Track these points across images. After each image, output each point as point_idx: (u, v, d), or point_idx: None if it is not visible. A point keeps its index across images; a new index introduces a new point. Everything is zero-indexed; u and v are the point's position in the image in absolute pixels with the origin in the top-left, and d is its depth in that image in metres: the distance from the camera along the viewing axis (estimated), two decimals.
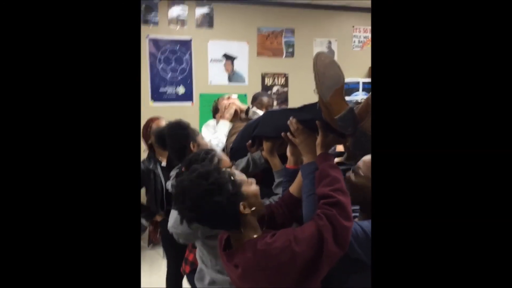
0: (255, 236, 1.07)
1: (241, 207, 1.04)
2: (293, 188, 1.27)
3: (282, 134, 1.27)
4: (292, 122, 1.22)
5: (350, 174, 1.23)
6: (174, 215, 1.37)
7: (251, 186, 1.10)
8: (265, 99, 2.54)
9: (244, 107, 2.28)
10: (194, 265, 1.80)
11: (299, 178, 1.23)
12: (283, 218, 1.22)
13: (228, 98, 2.36)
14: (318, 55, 1.10)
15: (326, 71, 1.07)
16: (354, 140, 1.11)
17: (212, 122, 2.35)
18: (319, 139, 1.18)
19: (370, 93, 1.10)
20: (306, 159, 1.20)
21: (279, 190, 1.43)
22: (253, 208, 1.08)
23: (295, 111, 1.27)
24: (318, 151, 1.18)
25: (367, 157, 1.22)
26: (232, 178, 1.06)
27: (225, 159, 1.52)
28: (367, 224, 1.11)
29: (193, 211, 1.04)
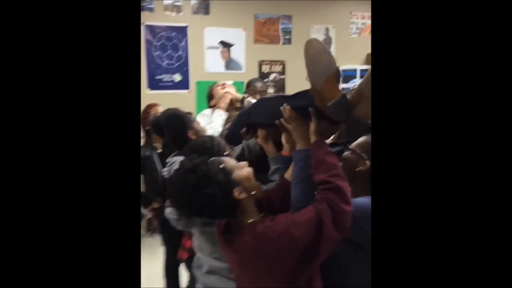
0: (253, 220, 1.07)
1: (236, 194, 1.05)
2: (288, 175, 1.27)
3: (276, 121, 1.27)
4: (285, 109, 1.23)
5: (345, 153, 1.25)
6: None
7: (242, 170, 1.10)
8: (258, 84, 2.53)
9: (239, 96, 2.27)
10: (192, 251, 1.82)
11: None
12: (280, 203, 1.23)
13: (223, 85, 2.35)
14: (309, 41, 1.09)
15: (318, 58, 1.07)
16: (347, 126, 1.11)
17: (207, 111, 2.34)
18: (312, 127, 1.18)
19: (363, 79, 1.10)
20: (299, 146, 1.20)
21: (275, 177, 1.44)
22: (251, 192, 1.07)
23: (288, 98, 1.27)
24: (312, 139, 1.18)
25: (361, 139, 1.24)
26: (221, 166, 1.06)
27: (227, 144, 1.54)
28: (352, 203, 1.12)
29: (187, 207, 1.04)
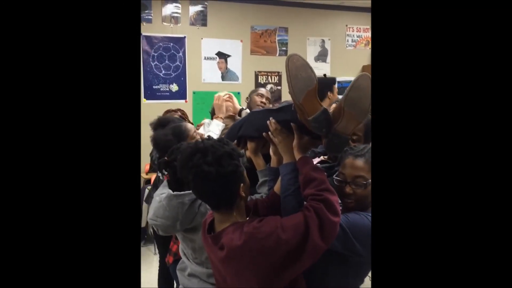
0: (241, 220, 1.10)
1: (241, 188, 1.09)
2: (277, 187, 1.30)
3: (264, 134, 1.32)
4: (271, 122, 1.27)
5: (337, 182, 1.27)
6: (154, 206, 1.41)
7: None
8: (263, 90, 2.56)
9: (238, 107, 2.30)
10: (177, 255, 1.83)
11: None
12: (266, 212, 1.27)
13: (225, 95, 2.37)
14: (290, 57, 1.12)
15: (298, 73, 1.10)
16: (327, 141, 1.14)
17: (207, 120, 2.37)
18: (294, 141, 1.21)
19: (343, 95, 1.15)
20: (285, 159, 1.24)
21: (262, 189, 1.46)
22: (246, 195, 1.13)
23: (275, 112, 1.31)
24: (296, 153, 1.21)
25: (347, 160, 1.27)
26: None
27: None
28: (344, 219, 1.16)
29: (213, 166, 1.04)
